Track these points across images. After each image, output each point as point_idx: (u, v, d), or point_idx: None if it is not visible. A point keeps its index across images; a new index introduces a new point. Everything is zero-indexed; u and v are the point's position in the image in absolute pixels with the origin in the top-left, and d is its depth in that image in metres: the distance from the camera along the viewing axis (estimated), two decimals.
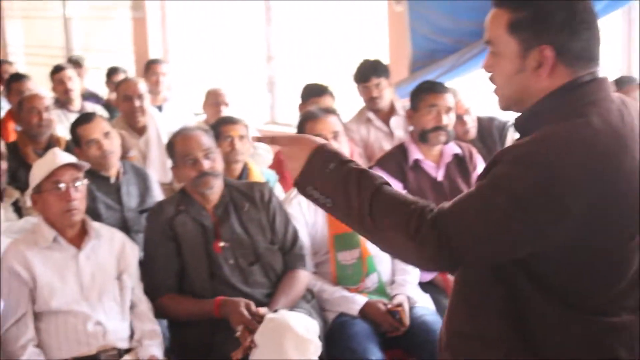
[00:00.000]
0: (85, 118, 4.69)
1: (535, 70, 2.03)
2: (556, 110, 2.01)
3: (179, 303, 3.82)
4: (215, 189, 3.93)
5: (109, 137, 4.53)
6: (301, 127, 4.22)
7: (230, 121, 4.86)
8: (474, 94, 5.49)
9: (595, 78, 2.04)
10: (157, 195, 4.76)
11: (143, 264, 3.96)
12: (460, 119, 5.17)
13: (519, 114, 2.14)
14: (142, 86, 5.79)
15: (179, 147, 3.95)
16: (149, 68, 7.64)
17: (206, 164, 3.88)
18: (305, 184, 2.11)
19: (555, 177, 1.88)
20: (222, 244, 3.86)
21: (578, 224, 1.91)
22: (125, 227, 4.35)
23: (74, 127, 4.63)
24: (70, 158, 3.78)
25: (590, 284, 2.02)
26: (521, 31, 2.03)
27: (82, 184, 3.73)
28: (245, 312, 3.59)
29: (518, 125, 2.14)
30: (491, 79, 2.15)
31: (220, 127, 4.69)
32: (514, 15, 2.03)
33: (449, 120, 4.49)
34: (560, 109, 2.01)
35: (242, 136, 4.83)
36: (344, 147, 4.17)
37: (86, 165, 3.82)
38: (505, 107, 2.16)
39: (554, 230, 1.91)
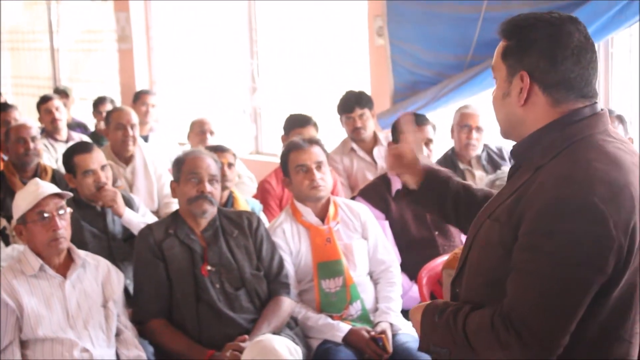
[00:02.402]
0: (84, 147, 4.65)
1: (518, 96, 2.13)
2: (548, 146, 2.10)
3: (170, 336, 3.85)
4: (207, 216, 3.98)
5: (105, 170, 4.55)
6: (285, 158, 4.27)
7: (220, 149, 4.91)
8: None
9: (591, 114, 2.11)
10: (146, 214, 4.78)
11: (133, 288, 3.99)
12: (470, 131, 5.29)
13: (513, 145, 2.24)
14: (134, 116, 5.83)
15: (188, 164, 4.01)
16: (139, 98, 7.69)
17: (208, 188, 3.94)
18: (427, 345, 2.26)
19: (587, 218, 1.94)
20: (209, 267, 3.90)
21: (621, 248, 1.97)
22: (110, 255, 4.37)
23: (71, 155, 4.59)
24: (53, 188, 3.78)
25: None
26: (509, 57, 2.14)
27: (67, 211, 3.75)
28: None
29: (513, 156, 2.24)
30: (492, 105, 2.26)
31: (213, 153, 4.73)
32: (507, 43, 2.15)
33: (429, 151, 4.56)
34: (552, 145, 2.10)
35: (230, 164, 4.89)
36: (327, 176, 4.22)
37: (69, 194, 3.83)
38: (502, 133, 2.27)
39: (610, 262, 1.96)
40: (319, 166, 4.19)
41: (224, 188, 4.65)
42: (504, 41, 2.18)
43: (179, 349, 3.81)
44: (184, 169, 4.00)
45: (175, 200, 5.29)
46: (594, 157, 2.03)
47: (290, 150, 4.25)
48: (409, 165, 2.65)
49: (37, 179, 3.91)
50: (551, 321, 1.97)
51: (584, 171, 1.99)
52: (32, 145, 5.53)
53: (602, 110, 2.15)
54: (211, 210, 3.99)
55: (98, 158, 4.56)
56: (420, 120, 4.63)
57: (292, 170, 4.21)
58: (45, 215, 3.67)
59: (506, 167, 4.70)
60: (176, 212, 4.09)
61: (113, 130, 5.74)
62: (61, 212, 3.72)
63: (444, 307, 2.21)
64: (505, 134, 2.26)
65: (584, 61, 2.10)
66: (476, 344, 2.08)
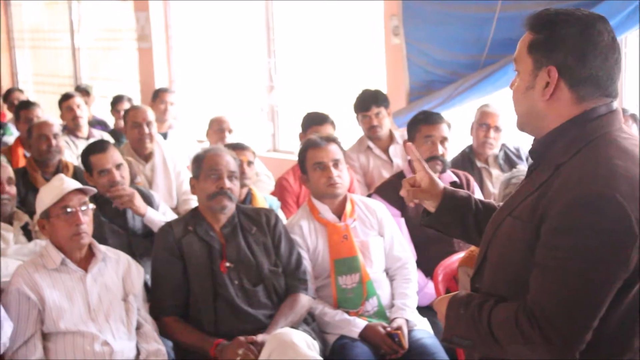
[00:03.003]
0: (99, 147, 4.72)
1: (542, 90, 2.15)
2: (569, 143, 2.13)
3: (181, 330, 3.90)
4: (227, 212, 4.03)
5: (120, 169, 4.61)
6: (303, 155, 4.31)
7: (240, 147, 4.98)
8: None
9: (608, 112, 2.15)
10: (167, 211, 4.83)
11: (151, 284, 4.05)
12: (487, 130, 5.34)
13: (532, 142, 2.27)
14: (150, 113, 5.89)
15: (208, 160, 4.05)
16: (158, 96, 7.79)
17: (227, 184, 3.99)
18: (450, 337, 2.28)
19: (610, 214, 1.97)
20: (227, 264, 3.95)
21: None
22: (130, 251, 4.42)
23: (87, 154, 4.68)
24: (76, 184, 3.85)
25: None
26: (536, 51, 2.16)
27: (89, 207, 3.81)
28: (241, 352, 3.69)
29: (532, 153, 2.27)
30: (512, 97, 2.28)
31: (232, 151, 4.77)
32: (535, 36, 2.17)
33: (444, 149, 4.59)
34: (572, 142, 2.13)
35: (250, 162, 4.95)
36: (344, 174, 4.27)
37: (93, 190, 3.89)
38: (520, 125, 2.29)
39: (633, 257, 1.99)
40: (336, 164, 4.23)
41: (242, 185, 4.69)
42: (530, 34, 2.19)
43: (188, 341, 3.86)
44: (204, 166, 4.04)
45: (194, 197, 5.38)
46: (614, 154, 2.06)
47: (308, 147, 4.30)
48: (426, 190, 2.62)
49: (61, 175, 3.97)
50: (575, 317, 1.99)
51: (606, 168, 2.02)
52: (54, 142, 5.62)
53: (616, 108, 2.18)
54: (230, 206, 4.03)
55: (113, 157, 4.61)
56: (435, 119, 4.66)
57: (309, 168, 4.26)
58: (69, 210, 3.72)
59: (522, 166, 4.73)
60: (195, 209, 4.14)
61: (130, 129, 5.81)
62: (84, 207, 3.77)
63: (469, 300, 2.24)
64: (522, 126, 2.29)
65: (611, 60, 2.13)
66: (501, 338, 2.11)
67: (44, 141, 5.60)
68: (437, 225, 2.63)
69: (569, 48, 2.12)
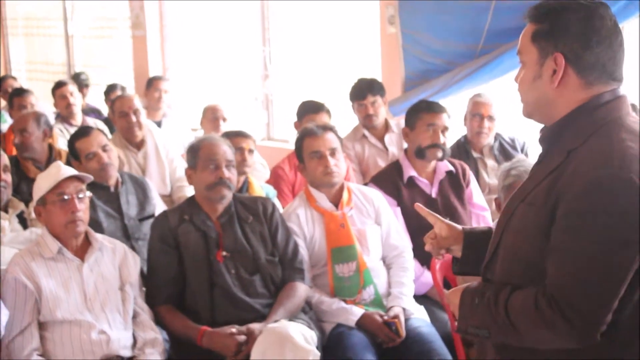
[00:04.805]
0: (82, 132, 4.76)
1: (550, 78, 2.17)
2: (579, 129, 2.15)
3: (172, 319, 3.89)
4: (224, 201, 4.02)
5: (106, 150, 4.62)
6: (299, 144, 4.31)
7: (241, 134, 4.98)
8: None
9: (615, 97, 2.17)
10: (158, 202, 4.83)
11: (146, 273, 4.06)
12: (481, 120, 5.35)
13: (540, 129, 2.28)
14: (137, 101, 5.85)
15: (204, 150, 4.03)
16: (152, 84, 7.77)
17: (226, 173, 3.98)
18: (465, 327, 2.28)
19: (626, 195, 1.99)
20: (224, 253, 3.94)
21: None
22: (125, 235, 4.45)
23: (72, 141, 4.71)
24: (72, 171, 3.85)
25: None
26: (540, 40, 2.18)
27: (86, 195, 3.81)
28: (230, 341, 3.69)
29: (542, 140, 2.27)
30: (518, 89, 2.29)
31: (232, 139, 4.71)
32: (538, 26, 2.19)
33: (444, 138, 4.59)
34: (583, 128, 2.14)
35: (250, 150, 4.95)
36: (341, 163, 4.26)
37: (90, 177, 3.89)
38: (527, 114, 2.30)
39: None
40: (332, 152, 4.23)
41: (241, 173, 4.70)
42: (533, 24, 2.21)
43: (176, 329, 3.86)
44: (201, 156, 4.02)
45: (188, 184, 5.37)
46: (626, 137, 2.08)
47: (305, 136, 4.29)
48: (448, 237, 2.59)
49: (58, 162, 3.96)
50: (595, 299, 2.01)
51: (620, 151, 2.04)
52: (19, 139, 5.53)
53: (623, 93, 2.19)
54: (229, 196, 4.03)
55: (97, 139, 4.64)
56: (437, 108, 4.66)
57: (306, 157, 4.25)
58: (65, 197, 3.72)
59: (521, 156, 4.73)
60: (191, 198, 4.13)
61: (118, 118, 5.80)
62: (81, 195, 3.76)
63: (483, 289, 2.24)
64: (530, 115, 2.29)
65: (615, 44, 2.15)
66: (520, 324, 2.12)
67: (16, 135, 5.56)
68: (468, 266, 2.58)
69: (573, 34, 2.13)
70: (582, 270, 2.01)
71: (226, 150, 4.07)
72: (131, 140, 5.74)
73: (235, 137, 4.81)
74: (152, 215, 4.54)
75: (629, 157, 2.03)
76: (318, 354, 3.64)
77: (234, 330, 3.72)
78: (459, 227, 2.60)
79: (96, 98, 9.29)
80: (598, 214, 1.99)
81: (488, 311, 2.19)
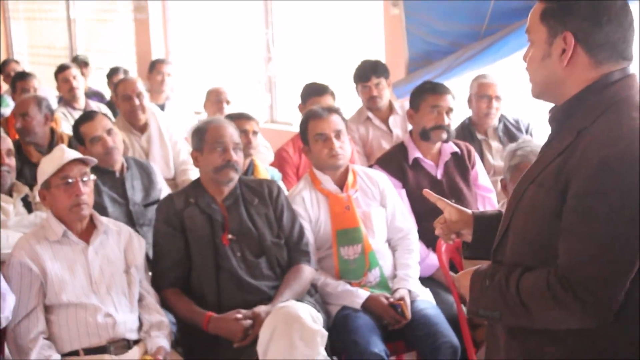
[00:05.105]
0: (87, 116, 4.76)
1: (560, 57, 2.15)
2: (589, 108, 2.13)
3: (178, 303, 3.89)
4: (231, 184, 4.01)
5: (111, 134, 4.61)
6: (304, 126, 4.29)
7: (245, 117, 4.98)
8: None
9: (625, 75, 2.15)
10: (163, 187, 4.83)
11: (152, 256, 4.05)
12: (490, 101, 5.34)
13: (550, 109, 2.26)
14: (140, 84, 5.84)
15: (211, 133, 4.01)
16: (155, 67, 7.74)
17: (234, 156, 3.96)
18: (476, 309, 2.27)
19: (638, 174, 1.98)
20: (230, 236, 3.93)
21: None
22: (130, 220, 4.44)
23: (77, 125, 4.71)
24: (76, 154, 3.84)
25: None
26: (549, 19, 2.16)
27: (90, 178, 3.80)
28: (236, 326, 3.70)
29: (552, 120, 2.25)
30: (527, 68, 2.27)
31: (235, 121, 4.65)
32: (547, 4, 2.18)
33: (449, 120, 4.58)
34: (593, 107, 2.13)
35: (255, 132, 4.94)
36: (346, 145, 4.25)
37: (94, 160, 3.89)
38: (536, 94, 2.28)
39: None
40: (337, 135, 4.22)
41: (247, 155, 4.69)
42: (542, 3, 2.19)
43: (182, 313, 3.87)
44: (208, 138, 4.00)
45: (192, 167, 5.38)
46: (636, 116, 2.07)
47: (310, 118, 4.28)
48: (458, 221, 2.57)
49: (62, 145, 3.95)
50: (608, 278, 2.00)
51: (631, 130, 2.03)
52: (19, 124, 5.49)
53: (633, 72, 2.18)
54: (235, 178, 4.01)
55: (102, 123, 4.63)
56: (442, 89, 4.64)
57: (311, 139, 4.24)
58: (69, 180, 3.71)
59: (527, 137, 4.72)
60: (197, 181, 4.11)
61: (121, 102, 5.78)
62: (85, 178, 3.76)
63: (494, 271, 2.23)
64: (539, 95, 2.27)
65: (625, 23, 2.14)
66: (532, 305, 2.10)
67: (17, 120, 5.53)
68: (479, 251, 2.56)
69: (583, 13, 2.12)
70: (593, 250, 2.00)
71: (233, 132, 4.05)
72: (134, 124, 5.73)
73: (238, 119, 4.79)
74: (157, 201, 4.52)
75: (630, 139, 2.01)
76: (326, 333, 3.65)
77: (239, 315, 3.72)
78: (469, 211, 2.59)
79: (99, 81, 9.28)
80: (609, 193, 1.98)
81: (499, 293, 2.18)
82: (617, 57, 2.15)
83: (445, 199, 2.63)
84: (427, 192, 2.68)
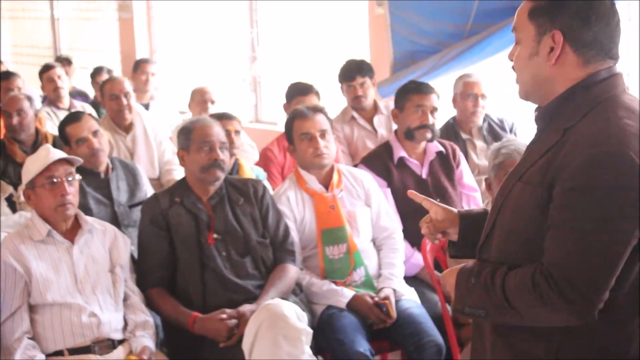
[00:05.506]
0: (73, 117, 4.73)
1: (547, 55, 2.16)
2: (576, 107, 2.14)
3: (163, 303, 3.88)
4: (217, 183, 4.01)
5: (97, 136, 4.59)
6: (289, 125, 4.29)
7: (226, 116, 4.96)
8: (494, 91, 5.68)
9: (611, 74, 2.16)
10: (147, 189, 4.82)
11: (137, 256, 4.04)
12: (475, 99, 5.36)
13: (536, 108, 2.27)
14: (128, 84, 5.84)
15: (198, 132, 4.01)
16: (139, 67, 7.74)
17: (220, 155, 3.96)
18: (462, 307, 2.27)
19: (625, 172, 1.99)
20: (215, 235, 3.93)
21: None
22: (115, 221, 4.41)
23: (63, 126, 4.68)
24: (62, 154, 3.82)
25: None
26: (538, 17, 2.16)
27: (76, 178, 3.79)
28: (221, 326, 3.70)
29: (539, 118, 2.25)
30: (513, 67, 2.28)
31: (217, 121, 4.73)
32: (536, 2, 2.18)
33: (434, 119, 4.59)
34: (579, 106, 2.13)
35: (236, 131, 4.93)
36: (331, 144, 4.25)
37: (80, 160, 3.88)
38: (523, 95, 2.28)
39: None
40: (323, 134, 4.22)
41: (230, 155, 4.68)
42: (529, 1, 2.20)
43: (167, 313, 3.86)
44: (194, 138, 4.00)
45: (177, 167, 5.37)
46: (623, 114, 2.08)
47: (295, 118, 4.28)
48: (444, 220, 2.56)
49: (48, 145, 3.94)
50: (594, 276, 2.00)
51: (618, 128, 2.04)
52: (15, 120, 5.44)
53: (619, 71, 2.19)
54: (222, 177, 4.01)
55: (88, 124, 4.60)
56: (426, 89, 4.65)
57: (296, 138, 4.24)
58: (55, 180, 3.70)
59: (511, 136, 4.73)
60: (182, 181, 4.11)
61: (108, 101, 5.77)
62: (70, 178, 3.75)
63: (479, 269, 2.23)
64: (527, 95, 2.28)
65: (612, 23, 2.15)
66: (517, 303, 2.11)
67: (7, 118, 5.49)
68: (465, 249, 2.55)
69: (572, 12, 2.12)
70: (580, 247, 2.01)
71: (219, 132, 4.05)
72: (120, 124, 5.72)
73: (219, 119, 4.77)
74: (142, 202, 4.51)
75: (628, 135, 2.02)
76: (310, 332, 3.66)
77: (224, 315, 3.72)
78: (455, 210, 2.59)
79: (82, 81, 9.25)
80: (596, 191, 1.99)
81: (485, 291, 2.18)
82: (604, 56, 2.16)
83: (431, 199, 2.63)
84: (412, 193, 2.67)
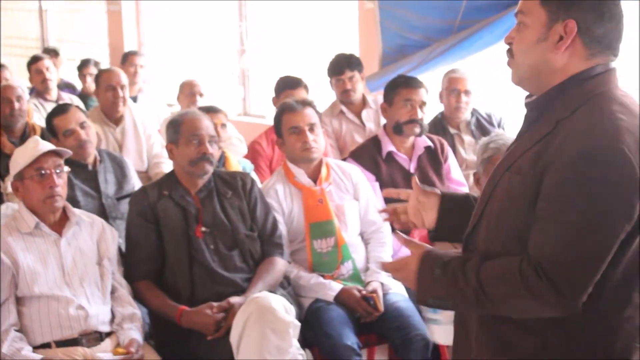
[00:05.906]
0: (61, 109, 4.72)
1: (556, 44, 2.15)
2: (569, 99, 2.15)
3: (151, 296, 3.88)
4: (205, 177, 4.01)
5: (85, 127, 4.58)
6: (278, 119, 4.29)
7: (212, 109, 4.94)
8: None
9: (607, 69, 2.17)
10: (135, 182, 4.81)
11: (125, 248, 4.03)
12: (459, 95, 5.38)
13: (526, 97, 2.27)
14: (124, 77, 5.82)
15: (187, 125, 3.99)
16: (127, 59, 7.73)
17: (209, 149, 3.96)
18: (425, 298, 2.26)
19: (618, 166, 2.00)
20: (203, 229, 3.92)
21: None
22: (103, 214, 4.40)
23: (50, 118, 4.67)
24: (51, 146, 3.81)
25: None
26: (552, 4, 2.15)
27: (64, 170, 3.78)
28: (208, 319, 3.70)
29: (532, 108, 2.25)
30: (509, 50, 2.26)
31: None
32: None
33: (422, 114, 4.60)
34: (573, 98, 2.14)
35: (223, 124, 4.93)
36: (320, 138, 4.26)
37: (68, 152, 3.86)
38: (517, 79, 2.27)
39: (637, 208, 2.02)
40: (311, 128, 4.22)
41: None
42: None
43: (155, 306, 3.86)
44: (183, 131, 3.98)
45: (165, 160, 5.37)
46: (617, 109, 2.08)
47: (284, 111, 4.28)
48: (422, 202, 2.56)
49: (36, 137, 3.93)
50: (583, 267, 2.01)
51: (610, 122, 2.05)
52: (17, 105, 5.50)
53: (614, 66, 2.19)
54: (210, 171, 4.01)
55: (76, 116, 4.60)
56: (415, 83, 4.67)
57: (285, 132, 4.24)
58: (43, 172, 3.69)
59: (500, 130, 4.74)
60: (171, 174, 4.10)
61: (103, 92, 5.73)
62: (59, 170, 3.74)
63: (446, 260, 2.22)
64: (520, 80, 2.26)
65: (621, 23, 2.16)
66: (495, 294, 2.11)
67: (7, 105, 5.49)
68: (446, 232, 2.56)
69: (589, 4, 2.13)
70: (570, 239, 2.02)
71: (209, 125, 4.04)
72: (111, 116, 5.70)
73: (206, 112, 4.78)
74: (130, 195, 4.50)
75: (621, 130, 2.03)
76: (298, 325, 3.66)
77: (211, 310, 3.72)
78: (437, 191, 2.59)
79: (70, 73, 9.22)
80: (588, 184, 2.00)
81: (454, 283, 2.17)
82: (609, 53, 2.17)
83: (406, 189, 2.63)
84: (388, 192, 2.68)
